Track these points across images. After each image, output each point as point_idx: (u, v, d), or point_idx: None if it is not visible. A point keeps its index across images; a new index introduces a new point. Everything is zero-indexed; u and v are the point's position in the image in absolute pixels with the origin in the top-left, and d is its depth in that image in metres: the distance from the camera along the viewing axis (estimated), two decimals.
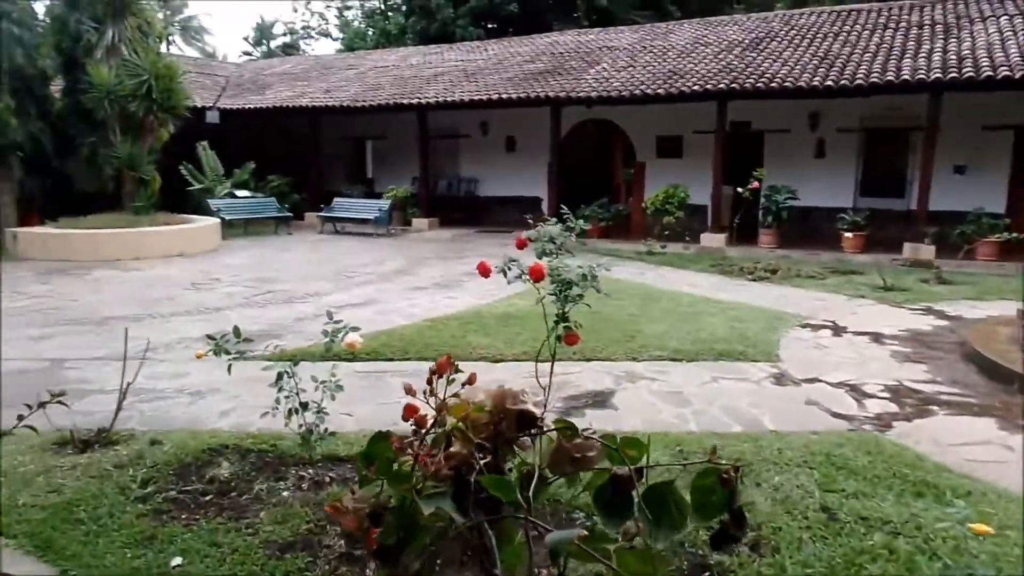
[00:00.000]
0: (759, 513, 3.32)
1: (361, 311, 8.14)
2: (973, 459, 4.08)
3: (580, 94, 14.63)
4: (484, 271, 3.11)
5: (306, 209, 18.36)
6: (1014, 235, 11.70)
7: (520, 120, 17.10)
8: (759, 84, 12.85)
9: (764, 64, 13.79)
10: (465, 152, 19.11)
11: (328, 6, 39.74)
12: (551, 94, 14.93)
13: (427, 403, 1.37)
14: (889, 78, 11.89)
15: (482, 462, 1.24)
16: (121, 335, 4.79)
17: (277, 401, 3.68)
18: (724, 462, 1.19)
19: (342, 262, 12.17)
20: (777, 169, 14.49)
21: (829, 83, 12.23)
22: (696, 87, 13.42)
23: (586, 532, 1.14)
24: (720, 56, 14.94)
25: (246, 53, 42.01)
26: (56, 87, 14.89)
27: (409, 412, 1.34)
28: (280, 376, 3.64)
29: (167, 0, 39.34)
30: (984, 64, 11.52)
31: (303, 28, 40.26)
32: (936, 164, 12.30)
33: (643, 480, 1.24)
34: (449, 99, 16.12)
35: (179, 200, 16.37)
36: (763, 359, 6.19)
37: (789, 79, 12.71)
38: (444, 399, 1.34)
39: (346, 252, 13.50)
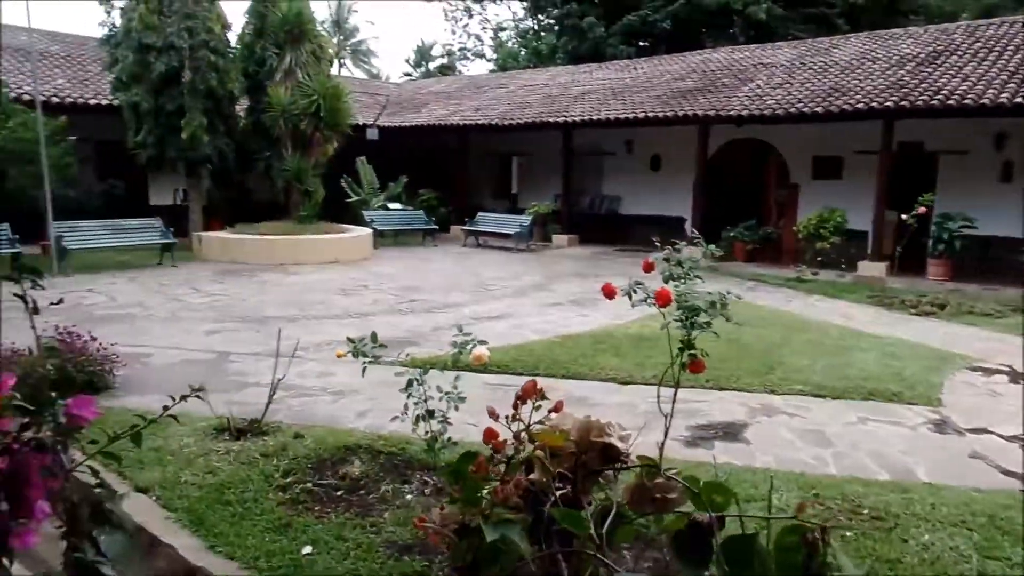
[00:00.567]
0: (902, 574, 3.02)
1: (495, 324, 8.32)
2: None
3: (731, 112, 14.15)
4: (609, 293, 3.08)
5: (452, 222, 19.08)
6: None
7: (667, 138, 16.82)
8: (934, 101, 11.79)
9: (941, 80, 12.63)
10: (609, 170, 19.07)
11: (484, 28, 41.16)
12: (700, 112, 14.55)
13: (509, 428, 1.38)
14: None
15: (560, 492, 1.22)
16: (277, 333, 5.22)
17: (406, 407, 3.84)
18: (812, 522, 1.08)
19: (482, 275, 12.52)
20: (952, 194, 13.20)
21: (1020, 100, 10.98)
22: (860, 105, 12.54)
23: None
24: (889, 72, 13.88)
25: (406, 74, 44.58)
26: (241, 107, 16.56)
27: (488, 436, 1.35)
28: (410, 383, 3.80)
29: (341, 26, 42.66)
30: None
31: (460, 49, 42.06)
32: None
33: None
34: (595, 117, 16.19)
35: (338, 210, 17.59)
36: (921, 402, 5.63)
37: (971, 96, 11.56)
38: (528, 425, 1.34)
39: (486, 265, 13.87)
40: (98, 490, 1.55)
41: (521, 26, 38.57)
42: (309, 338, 7.17)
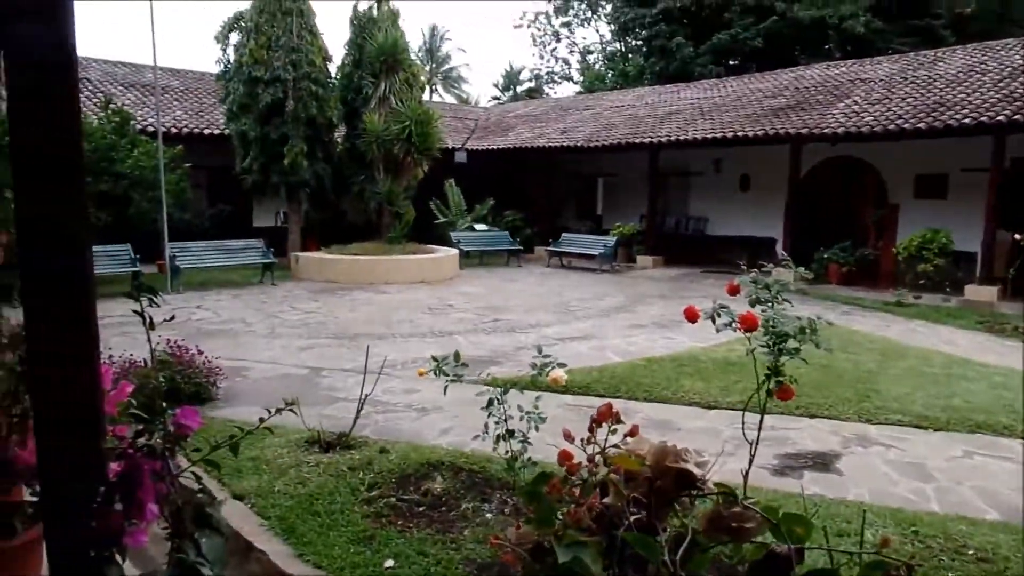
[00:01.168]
0: None
1: (577, 345, 8.33)
2: None
3: (825, 130, 13.67)
4: (691, 316, 3.06)
5: (536, 243, 19.23)
6: None
7: (756, 158, 16.41)
8: None
9: None
10: (695, 190, 18.75)
11: (571, 52, 41.53)
12: (792, 131, 14.13)
13: (584, 450, 1.40)
14: None
15: (635, 517, 1.24)
16: (366, 350, 5.43)
17: (486, 426, 3.91)
18: (896, 558, 1.05)
19: (565, 296, 12.54)
20: None
21: None
22: (968, 120, 11.85)
23: None
24: (1001, 84, 13.05)
25: (495, 98, 45.44)
26: (339, 134, 17.39)
27: (563, 458, 1.38)
28: (491, 402, 3.87)
29: (433, 54, 44.09)
30: None
31: (547, 73, 42.56)
32: None
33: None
34: (681, 137, 16.00)
35: (426, 231, 18.09)
36: None
37: None
38: (603, 448, 1.36)
39: (570, 286, 13.89)
40: (200, 495, 1.68)
41: (608, 49, 38.69)
42: (395, 355, 7.40)
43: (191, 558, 1.36)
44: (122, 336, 7.44)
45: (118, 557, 1.72)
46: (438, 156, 16.93)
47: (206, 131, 16.66)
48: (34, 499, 2.88)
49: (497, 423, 3.92)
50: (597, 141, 17.86)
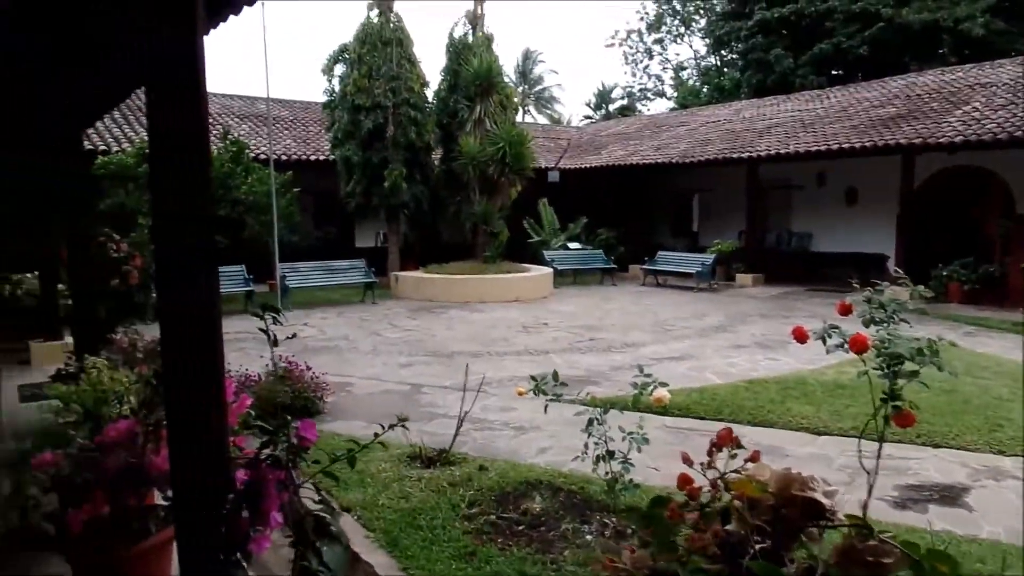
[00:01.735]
0: None
1: (676, 365, 8.14)
2: None
3: (941, 139, 12.85)
4: (800, 336, 2.94)
5: (630, 261, 19.01)
6: None
7: (864, 170, 15.60)
8: None
9: None
10: (798, 204, 18.03)
11: (664, 68, 41.10)
12: (904, 141, 13.37)
13: (703, 475, 1.36)
14: None
15: (759, 546, 1.19)
16: (463, 368, 5.52)
17: (586, 446, 3.88)
18: None
19: (661, 315, 12.31)
20: None
21: None
22: None
23: None
24: None
25: (587, 117, 45.46)
26: (435, 156, 17.92)
27: (683, 482, 1.34)
28: (590, 422, 3.84)
29: (526, 76, 44.73)
30: None
31: (639, 90, 42.23)
32: None
33: None
34: (782, 151, 15.45)
35: (520, 250, 18.26)
36: None
37: None
38: (724, 473, 1.32)
39: (666, 305, 13.62)
40: (319, 506, 1.76)
41: (703, 63, 38.02)
42: (492, 373, 7.47)
43: (314, 566, 1.42)
44: (238, 352, 7.91)
45: (243, 562, 1.83)
46: (531, 176, 17.11)
47: (312, 157, 17.56)
48: (165, 503, 3.10)
49: (596, 443, 3.89)
50: (693, 157, 17.52)
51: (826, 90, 20.94)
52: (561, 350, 9.25)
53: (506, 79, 18.29)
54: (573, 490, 4.34)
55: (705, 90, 34.63)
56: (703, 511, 1.29)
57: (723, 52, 34.10)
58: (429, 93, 17.40)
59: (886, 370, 2.66)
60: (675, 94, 38.71)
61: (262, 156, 14.47)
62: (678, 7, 37.89)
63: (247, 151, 13.90)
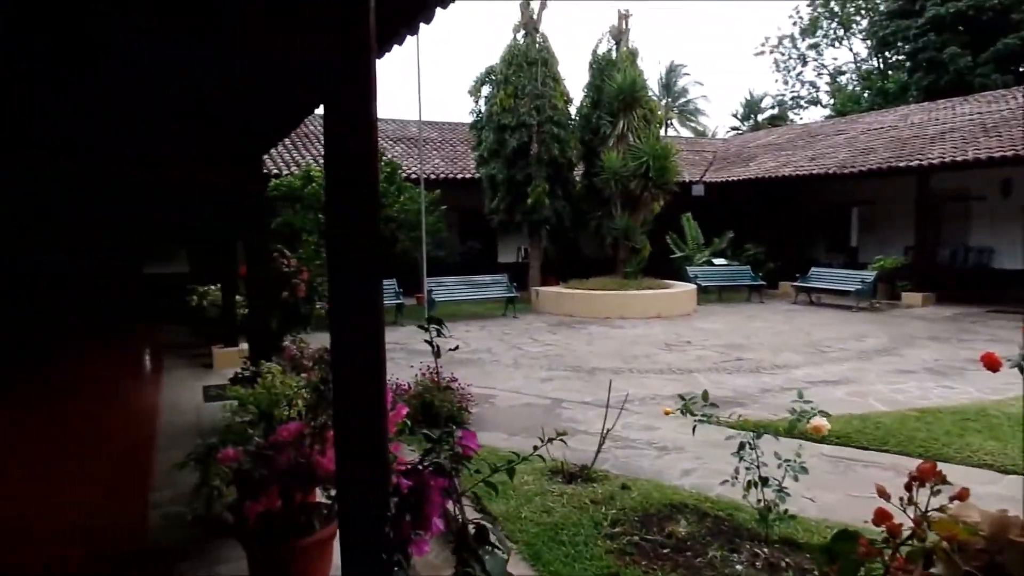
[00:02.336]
0: None
1: (833, 390, 7.61)
2: None
3: None
4: (992, 364, 2.64)
5: (780, 278, 18.04)
6: None
7: None
8: None
9: None
10: (977, 217, 16.29)
11: (820, 74, 38.81)
12: None
13: (902, 511, 1.25)
14: None
15: None
16: (604, 384, 5.48)
17: (737, 471, 3.71)
18: None
19: (815, 335, 11.56)
20: None
21: None
22: None
23: None
24: None
25: (734, 128, 43.84)
26: (577, 172, 18.03)
27: (881, 517, 1.24)
28: (742, 446, 3.67)
29: (670, 89, 43.99)
30: None
31: (791, 99, 40.14)
32: None
33: None
34: (959, 159, 14.06)
35: (662, 266, 17.89)
36: None
37: None
38: (926, 511, 1.20)
39: (821, 325, 12.78)
40: (479, 515, 1.81)
41: (863, 67, 35.51)
42: (633, 391, 7.36)
43: (477, 573, 1.46)
44: (388, 362, 8.36)
45: (404, 563, 1.92)
46: (675, 190, 16.74)
47: (459, 176, 18.24)
48: (326, 501, 3.32)
49: (748, 468, 3.71)
50: (854, 167, 16.36)
51: (1012, 90, 18.84)
52: (706, 369, 8.93)
53: (650, 93, 18.06)
54: (721, 516, 4.17)
55: (866, 95, 32.28)
56: (904, 550, 1.19)
57: (887, 54, 31.68)
58: (572, 110, 17.56)
59: None
60: (831, 101, 36.41)
61: (413, 176, 15.23)
62: (836, 8, 35.69)
63: (400, 171, 14.68)
